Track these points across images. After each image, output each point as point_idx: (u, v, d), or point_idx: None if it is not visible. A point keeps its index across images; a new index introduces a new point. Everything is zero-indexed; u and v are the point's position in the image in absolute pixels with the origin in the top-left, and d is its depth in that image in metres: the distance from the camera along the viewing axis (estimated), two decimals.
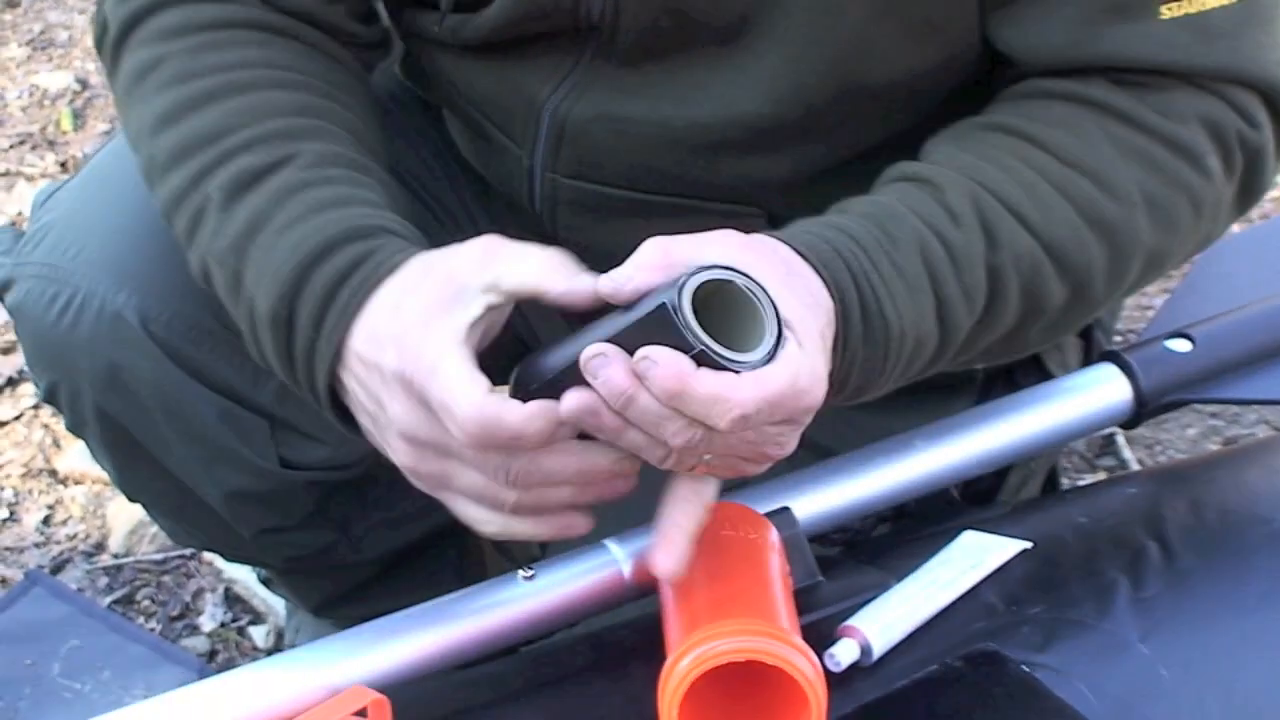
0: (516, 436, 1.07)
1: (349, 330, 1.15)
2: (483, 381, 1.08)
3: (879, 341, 1.15)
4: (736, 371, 1.01)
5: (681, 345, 1.00)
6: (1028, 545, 1.27)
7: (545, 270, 1.10)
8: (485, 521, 1.13)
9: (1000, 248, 1.20)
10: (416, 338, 1.10)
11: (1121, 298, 1.33)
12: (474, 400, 1.07)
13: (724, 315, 1.04)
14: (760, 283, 1.03)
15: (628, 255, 1.07)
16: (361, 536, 1.66)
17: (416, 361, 1.09)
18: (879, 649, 1.19)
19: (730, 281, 1.03)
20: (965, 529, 1.31)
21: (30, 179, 2.99)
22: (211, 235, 1.23)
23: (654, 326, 1.01)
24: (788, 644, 1.05)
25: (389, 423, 1.14)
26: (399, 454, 1.15)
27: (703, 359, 1.01)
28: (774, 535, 1.19)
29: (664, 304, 1.00)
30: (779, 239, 1.14)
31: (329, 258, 1.17)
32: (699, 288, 1.01)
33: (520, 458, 1.09)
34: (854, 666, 1.19)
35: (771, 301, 1.03)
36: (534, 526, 1.13)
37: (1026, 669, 1.19)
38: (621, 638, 1.28)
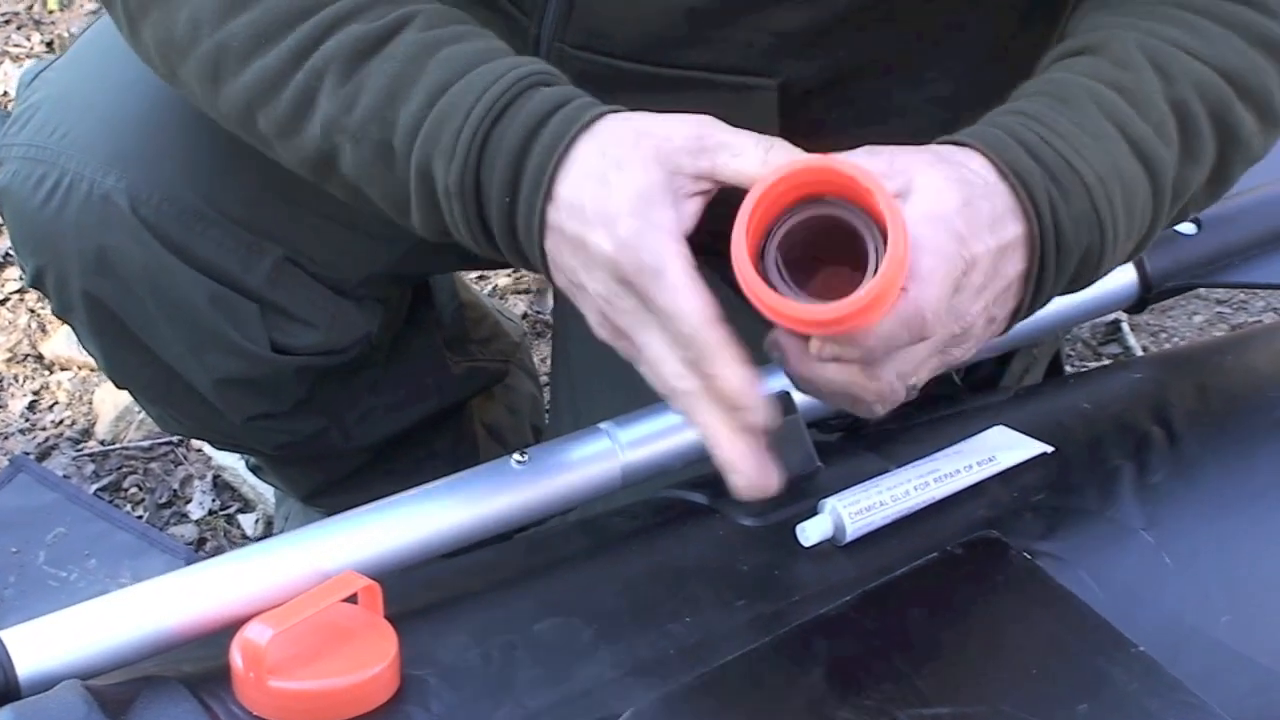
0: (714, 375, 1.08)
1: (550, 196, 1.11)
2: (709, 296, 1.07)
3: (1077, 194, 1.13)
4: None
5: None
6: (1048, 450, 1.26)
7: (767, 164, 1.09)
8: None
9: (1175, 81, 1.18)
10: (633, 230, 1.08)
11: None
12: (695, 321, 1.07)
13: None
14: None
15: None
16: (353, 423, 1.66)
17: (636, 258, 1.07)
18: (853, 531, 1.19)
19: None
20: (995, 424, 1.31)
21: (16, 59, 2.97)
22: (338, 111, 1.17)
23: None
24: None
25: (588, 298, 1.12)
26: (592, 322, 1.14)
27: None
28: None
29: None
30: (963, 143, 1.14)
31: (512, 112, 1.12)
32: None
33: (691, 379, 1.09)
34: (849, 549, 1.19)
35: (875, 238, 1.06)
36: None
37: (1028, 556, 1.19)
38: (617, 524, 1.27)
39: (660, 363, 1.10)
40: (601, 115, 1.12)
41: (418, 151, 1.14)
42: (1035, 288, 1.14)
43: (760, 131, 1.12)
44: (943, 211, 1.08)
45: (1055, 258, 1.13)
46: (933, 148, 1.14)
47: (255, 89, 1.19)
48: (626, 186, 1.09)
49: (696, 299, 1.07)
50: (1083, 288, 1.19)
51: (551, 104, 1.13)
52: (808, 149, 1.10)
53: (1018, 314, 1.15)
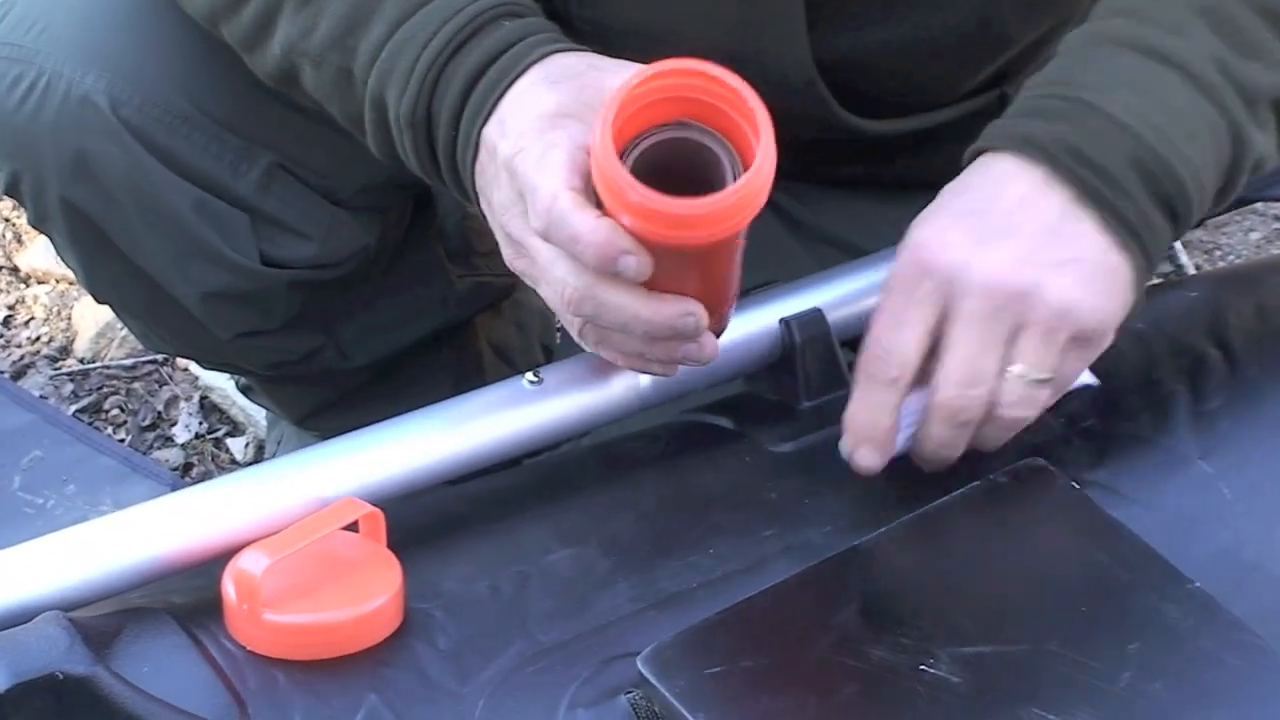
0: (575, 239, 1.08)
1: (487, 119, 1.16)
2: (576, 184, 1.09)
3: (1079, 116, 1.16)
4: None
5: None
6: (1093, 383, 1.26)
7: None
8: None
9: None
10: (537, 129, 1.12)
11: None
12: (553, 189, 1.09)
13: None
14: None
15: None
16: (350, 341, 1.66)
17: (525, 151, 1.11)
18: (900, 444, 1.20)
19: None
20: None
21: None
22: (297, 35, 1.23)
23: None
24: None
25: (494, 215, 1.16)
26: (502, 247, 1.17)
27: None
28: None
29: None
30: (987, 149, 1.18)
31: (469, 47, 1.17)
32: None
33: (582, 276, 1.10)
34: (887, 475, 1.19)
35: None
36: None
37: (1077, 485, 1.19)
38: (635, 449, 1.28)
39: (550, 266, 1.12)
40: (561, 51, 1.16)
41: (374, 80, 1.19)
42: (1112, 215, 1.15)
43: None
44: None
45: (1096, 178, 1.15)
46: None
47: (218, 2, 1.26)
48: (548, 102, 1.12)
49: (558, 179, 1.09)
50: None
51: (511, 38, 1.17)
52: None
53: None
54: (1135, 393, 1.28)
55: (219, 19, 1.28)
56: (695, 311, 1.12)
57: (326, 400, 1.75)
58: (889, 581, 1.15)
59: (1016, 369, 1.14)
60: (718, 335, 1.18)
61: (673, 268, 1.09)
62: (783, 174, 1.08)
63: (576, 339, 1.17)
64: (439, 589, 1.12)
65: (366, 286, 1.63)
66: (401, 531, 1.13)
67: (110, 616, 1.08)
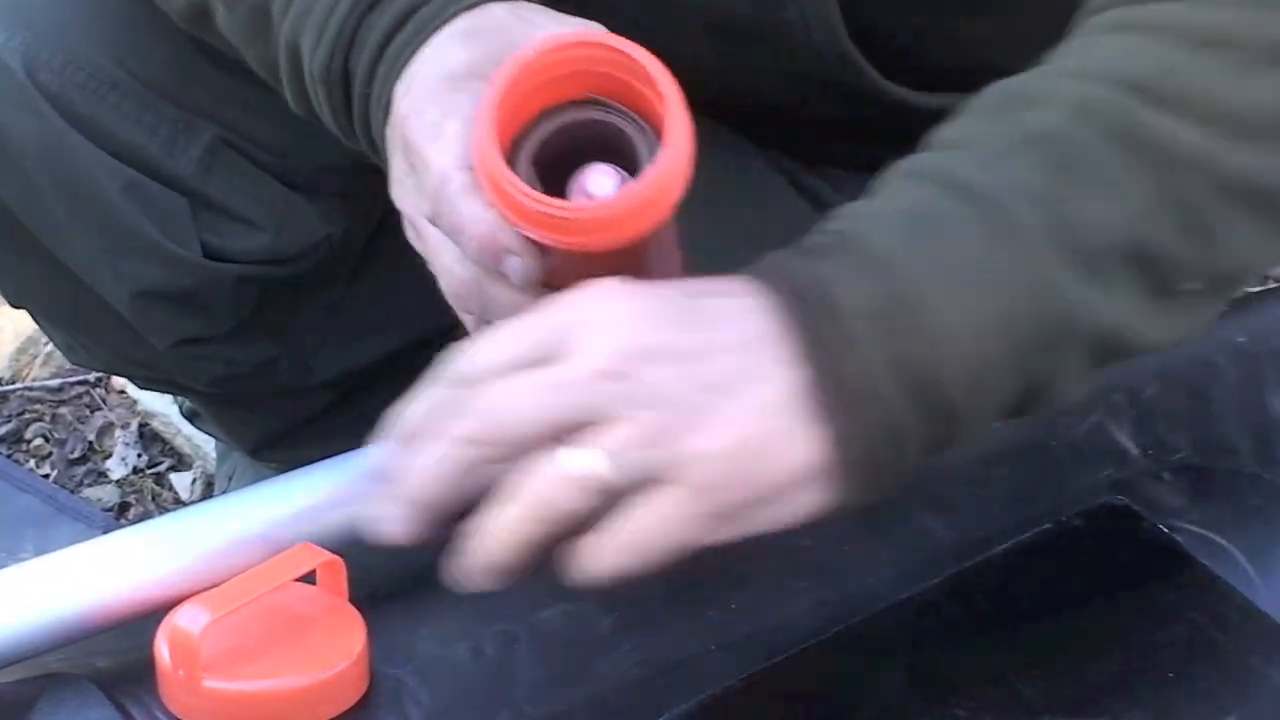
0: (458, 228, 1.09)
1: (400, 76, 1.15)
2: (462, 156, 1.09)
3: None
4: None
5: None
6: None
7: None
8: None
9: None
10: (434, 91, 1.11)
11: None
12: (443, 167, 1.09)
13: None
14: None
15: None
16: (310, 352, 1.66)
17: (419, 116, 1.11)
18: None
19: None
20: None
21: None
22: None
23: None
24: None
25: (393, 184, 1.16)
26: (405, 221, 1.18)
27: None
28: None
29: None
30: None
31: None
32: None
33: (470, 268, 1.11)
34: (942, 516, 1.20)
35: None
36: None
37: (1165, 530, 1.20)
38: None
39: (439, 252, 1.12)
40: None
41: (288, 25, 1.19)
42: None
43: None
44: None
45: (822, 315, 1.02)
46: None
47: None
48: (458, 60, 1.12)
49: (450, 152, 1.09)
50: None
51: None
52: None
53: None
54: (1235, 419, 1.28)
55: None
56: None
57: (285, 426, 1.76)
58: (942, 643, 1.15)
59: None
60: None
61: (575, 267, 1.08)
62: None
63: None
64: (411, 651, 1.12)
65: (331, 287, 1.63)
66: (367, 583, 1.13)
67: (25, 683, 1.09)
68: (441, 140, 1.09)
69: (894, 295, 1.00)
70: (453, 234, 1.09)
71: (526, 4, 1.16)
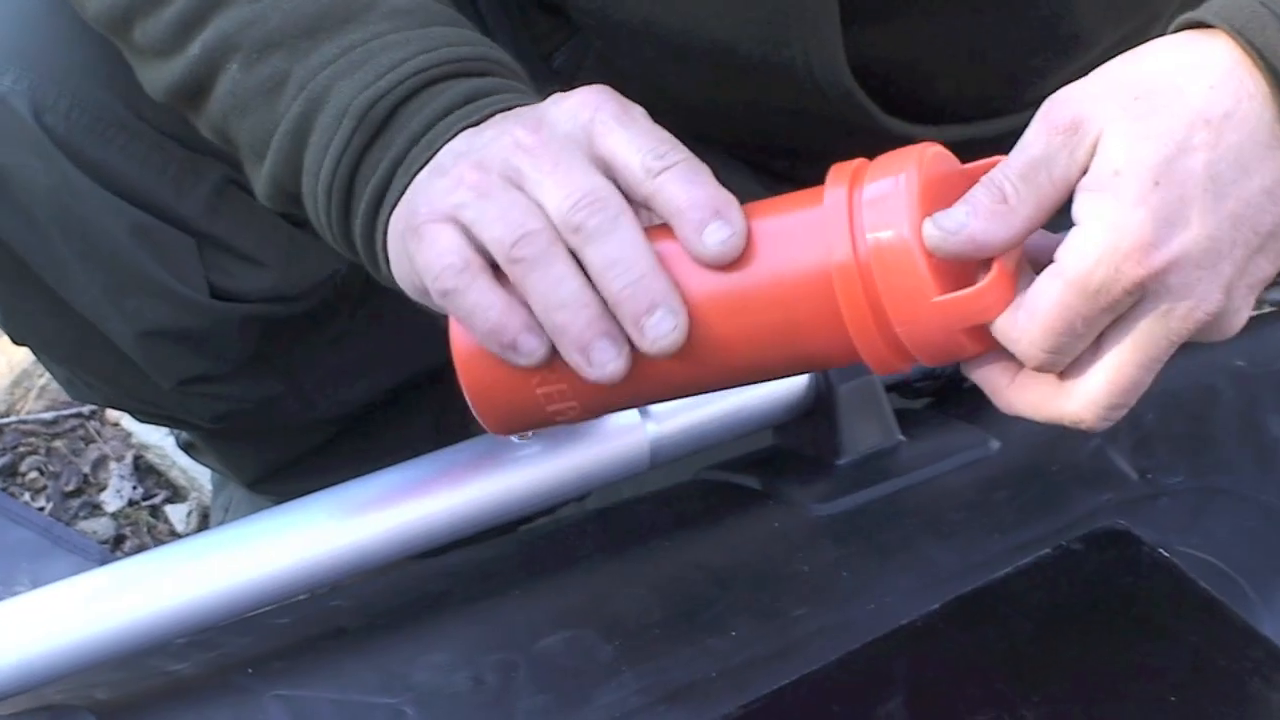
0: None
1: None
2: None
3: None
4: None
5: None
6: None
7: None
8: None
9: None
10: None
11: None
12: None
13: None
14: None
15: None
16: (313, 388, 1.67)
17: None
18: None
19: None
20: None
21: None
22: (237, 25, 1.21)
23: None
24: None
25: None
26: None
27: None
28: None
29: None
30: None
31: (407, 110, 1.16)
32: None
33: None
34: (943, 540, 1.20)
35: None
36: None
37: (1165, 554, 1.19)
38: (644, 513, 1.29)
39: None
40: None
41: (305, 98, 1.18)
42: None
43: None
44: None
45: None
46: (1138, 75, 1.09)
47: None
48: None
49: None
50: None
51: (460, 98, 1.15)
52: None
53: None
54: (1234, 441, 1.28)
55: (134, 18, 1.25)
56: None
57: (285, 458, 1.76)
58: (943, 669, 1.15)
59: None
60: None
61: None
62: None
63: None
64: (409, 680, 1.12)
65: (334, 323, 1.63)
66: (368, 610, 1.13)
67: (23, 715, 1.08)
68: None
69: None
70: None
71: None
